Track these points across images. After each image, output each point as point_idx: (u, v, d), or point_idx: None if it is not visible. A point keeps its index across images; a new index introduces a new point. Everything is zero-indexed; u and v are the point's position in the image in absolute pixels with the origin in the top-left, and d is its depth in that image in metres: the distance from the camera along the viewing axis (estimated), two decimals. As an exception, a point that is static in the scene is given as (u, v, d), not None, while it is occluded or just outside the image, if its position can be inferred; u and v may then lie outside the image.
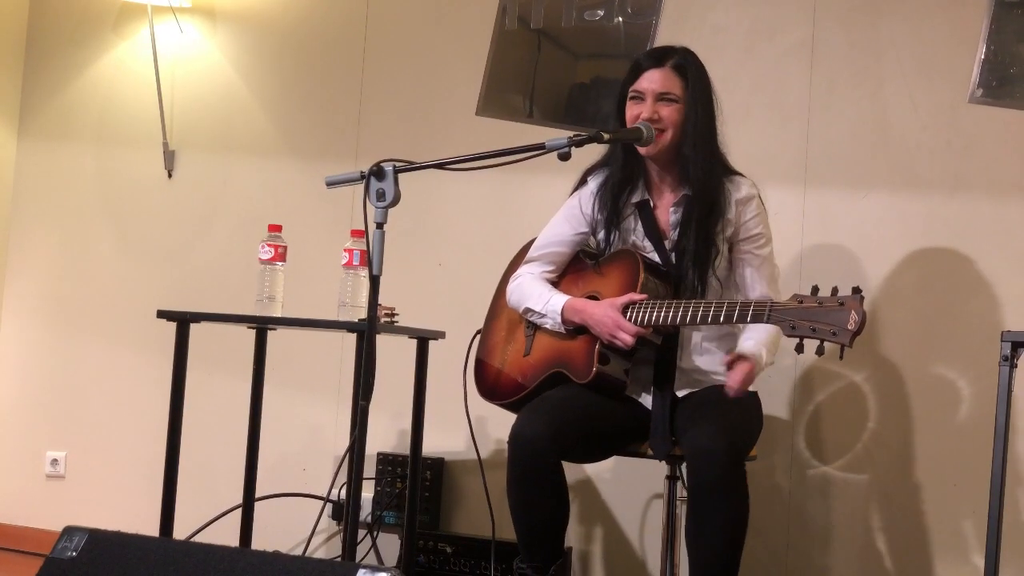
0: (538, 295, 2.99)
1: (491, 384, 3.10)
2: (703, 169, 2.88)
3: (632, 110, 2.91)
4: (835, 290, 2.55)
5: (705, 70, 2.94)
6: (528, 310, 3.00)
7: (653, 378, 2.92)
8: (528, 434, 2.75)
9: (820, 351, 2.53)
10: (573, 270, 3.07)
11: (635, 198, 2.98)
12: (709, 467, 2.66)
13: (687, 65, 2.91)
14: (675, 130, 2.89)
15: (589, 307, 2.88)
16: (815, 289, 2.58)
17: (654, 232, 2.95)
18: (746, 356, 2.79)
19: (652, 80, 2.89)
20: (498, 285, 3.24)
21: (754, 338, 2.87)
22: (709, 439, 2.67)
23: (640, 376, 2.94)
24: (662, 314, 2.76)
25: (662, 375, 2.92)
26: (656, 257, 2.94)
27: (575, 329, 2.92)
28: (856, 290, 2.52)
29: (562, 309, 2.92)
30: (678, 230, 2.92)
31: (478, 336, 3.24)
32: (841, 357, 2.55)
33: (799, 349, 2.57)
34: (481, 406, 3.23)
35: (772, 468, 3.47)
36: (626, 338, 2.78)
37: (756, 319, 2.65)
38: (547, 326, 2.97)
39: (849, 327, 2.48)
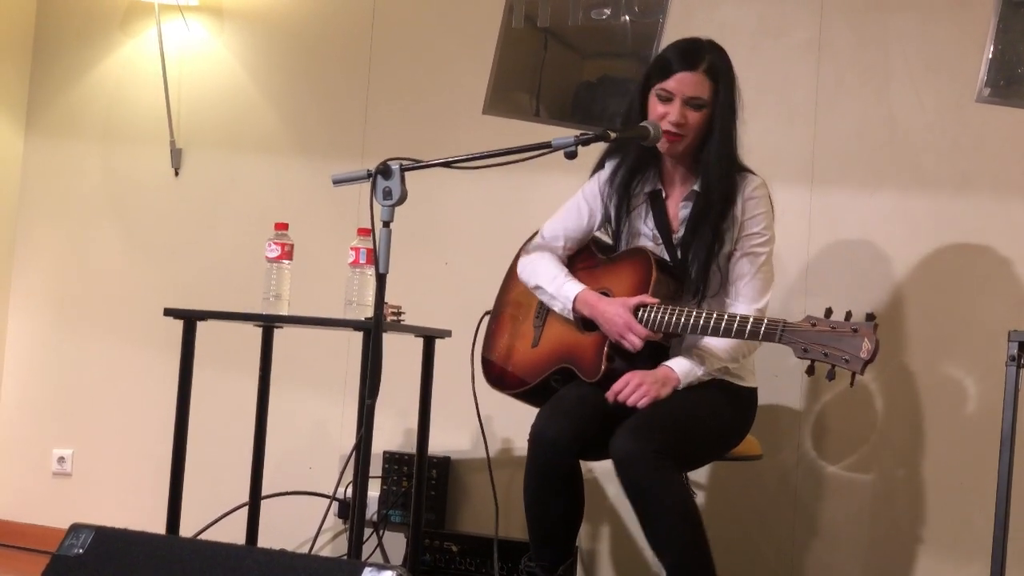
0: (552, 276, 2.97)
1: (498, 373, 3.10)
2: (720, 170, 2.87)
3: (658, 108, 2.87)
4: (848, 314, 2.55)
5: (732, 67, 2.91)
6: (539, 288, 2.99)
7: None
8: (551, 435, 2.74)
9: (831, 376, 2.54)
10: (585, 262, 3.06)
11: (648, 187, 2.97)
12: (626, 470, 2.67)
13: (718, 69, 2.87)
14: (697, 134, 2.87)
15: (602, 303, 2.86)
16: (828, 311, 2.56)
17: (663, 224, 2.95)
18: (670, 366, 2.80)
19: (683, 83, 2.84)
20: (507, 272, 3.21)
21: (710, 345, 2.83)
22: (622, 441, 2.68)
23: None
24: (673, 319, 2.74)
25: None
26: (664, 249, 2.94)
27: (583, 322, 2.92)
28: (870, 317, 2.52)
29: (574, 298, 2.91)
30: (686, 225, 2.92)
31: (486, 317, 3.21)
32: (852, 384, 2.55)
33: (810, 371, 2.58)
34: (486, 405, 3.22)
35: (779, 467, 3.47)
36: (635, 340, 2.77)
37: (768, 338, 2.62)
38: (555, 308, 2.96)
39: (862, 355, 2.48)
